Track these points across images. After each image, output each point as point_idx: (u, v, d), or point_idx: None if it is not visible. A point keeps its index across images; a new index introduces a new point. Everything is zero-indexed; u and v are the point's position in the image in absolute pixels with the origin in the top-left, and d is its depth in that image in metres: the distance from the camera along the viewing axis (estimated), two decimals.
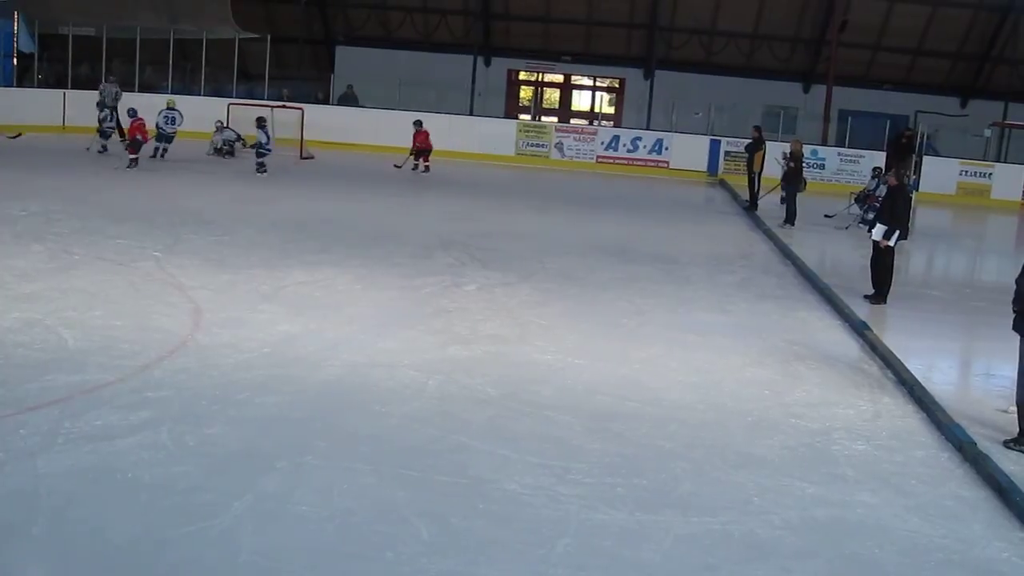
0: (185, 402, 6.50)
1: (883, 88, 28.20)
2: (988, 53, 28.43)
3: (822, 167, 23.54)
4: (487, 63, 29.60)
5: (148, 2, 25.21)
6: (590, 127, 26.98)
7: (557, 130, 25.19)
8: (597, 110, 30.88)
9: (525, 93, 31.81)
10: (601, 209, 17.91)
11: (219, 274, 10.18)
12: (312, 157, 21.07)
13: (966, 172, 23.86)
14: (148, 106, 19.49)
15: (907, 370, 8.36)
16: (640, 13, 28.80)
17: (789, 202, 17.02)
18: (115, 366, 7.04)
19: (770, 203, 17.98)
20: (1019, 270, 7.02)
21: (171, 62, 24.19)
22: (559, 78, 31.64)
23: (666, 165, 24.39)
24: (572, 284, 11.16)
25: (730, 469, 6.15)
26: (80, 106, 20.73)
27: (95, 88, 21.12)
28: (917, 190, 17.86)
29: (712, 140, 24.39)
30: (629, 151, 24.54)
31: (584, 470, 5.89)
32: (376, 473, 5.65)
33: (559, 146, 24.62)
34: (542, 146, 24.68)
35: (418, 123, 20.83)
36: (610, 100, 31.93)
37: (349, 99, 25.92)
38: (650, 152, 24.50)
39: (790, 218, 16.83)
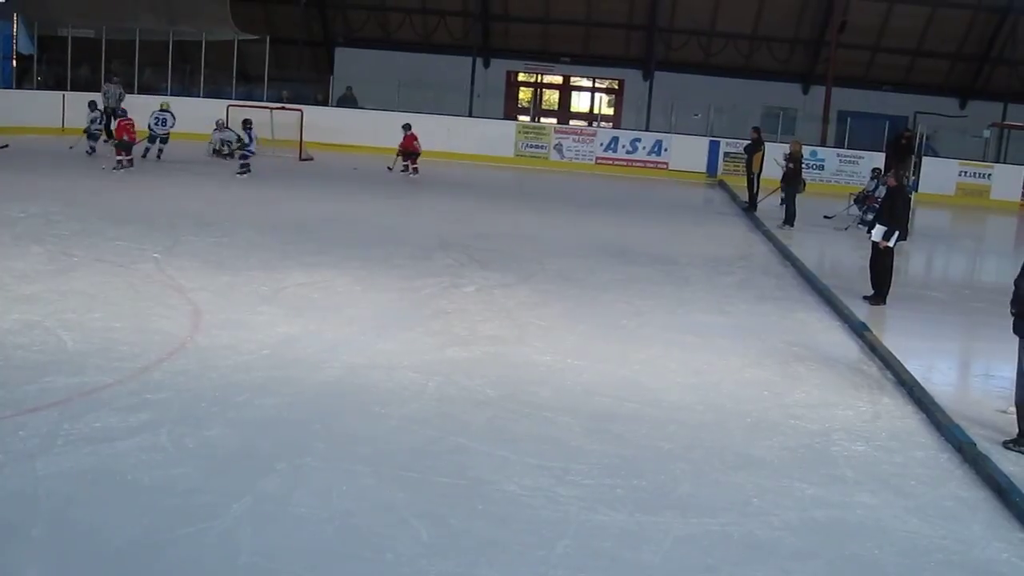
0: (184, 404, 6.50)
1: (882, 89, 28.17)
2: (987, 54, 28.42)
3: (821, 168, 23.51)
4: (486, 64, 29.58)
5: (147, 4, 25.24)
6: (589, 128, 26.91)
7: (556, 131, 25.18)
8: (596, 111, 30.83)
9: (524, 94, 31.78)
10: (600, 210, 17.91)
11: (218, 276, 10.18)
12: (311, 159, 21.08)
13: (965, 173, 23.85)
14: (148, 108, 19.54)
15: (906, 371, 8.36)
16: (639, 14, 28.79)
17: (788, 203, 17.01)
18: (114, 368, 7.04)
19: (769, 204, 17.98)
20: (1018, 271, 7.01)
21: (170, 64, 24.20)
22: (558, 79, 31.60)
23: (665, 166, 24.38)
24: (571, 285, 11.16)
25: (729, 470, 6.15)
26: (80, 108, 20.71)
27: (94, 90, 21.12)
28: (916, 191, 17.86)
29: (711, 141, 24.36)
30: (628, 152, 24.53)
31: (583, 471, 5.89)
32: (375, 474, 5.65)
33: (558, 147, 24.61)
34: (541, 147, 24.67)
35: (407, 126, 20.55)
36: (609, 101, 31.89)
37: (348, 100, 25.91)
38: (649, 153, 24.49)
39: (789, 219, 16.83)
